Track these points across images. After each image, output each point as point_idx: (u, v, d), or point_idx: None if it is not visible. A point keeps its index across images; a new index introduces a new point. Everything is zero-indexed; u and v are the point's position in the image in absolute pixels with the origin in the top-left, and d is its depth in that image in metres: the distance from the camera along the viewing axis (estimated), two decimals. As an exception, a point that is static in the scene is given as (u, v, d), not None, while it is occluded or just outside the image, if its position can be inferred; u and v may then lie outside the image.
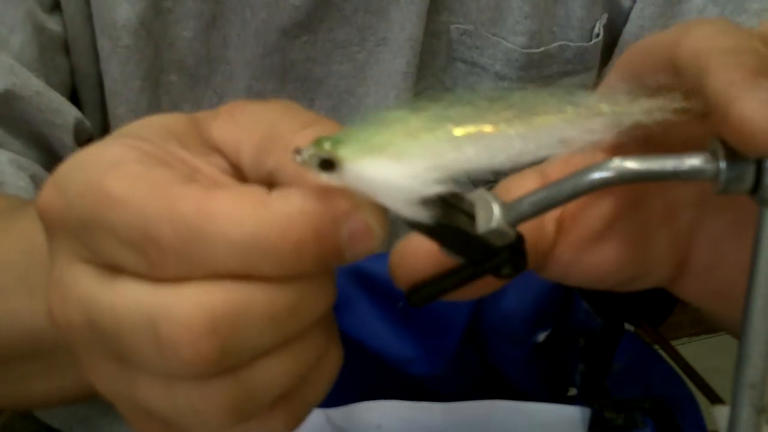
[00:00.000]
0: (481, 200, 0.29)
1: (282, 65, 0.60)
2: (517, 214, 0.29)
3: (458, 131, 0.26)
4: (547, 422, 0.42)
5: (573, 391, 0.50)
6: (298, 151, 0.26)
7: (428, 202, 0.27)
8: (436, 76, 0.63)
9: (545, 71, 0.63)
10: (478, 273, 0.30)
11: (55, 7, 0.58)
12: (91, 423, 0.72)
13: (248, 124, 0.30)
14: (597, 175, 0.29)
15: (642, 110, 0.28)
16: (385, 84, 0.61)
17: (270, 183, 0.28)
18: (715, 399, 0.36)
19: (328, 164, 0.26)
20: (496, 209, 0.28)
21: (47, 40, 0.58)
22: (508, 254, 0.29)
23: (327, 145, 0.26)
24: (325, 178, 0.26)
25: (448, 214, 0.28)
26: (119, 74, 0.59)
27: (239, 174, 0.30)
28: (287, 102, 0.31)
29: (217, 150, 0.30)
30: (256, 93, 0.61)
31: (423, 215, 0.27)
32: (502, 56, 0.62)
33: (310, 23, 0.59)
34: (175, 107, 0.61)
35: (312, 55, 0.60)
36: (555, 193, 0.29)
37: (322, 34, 0.60)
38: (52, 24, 0.58)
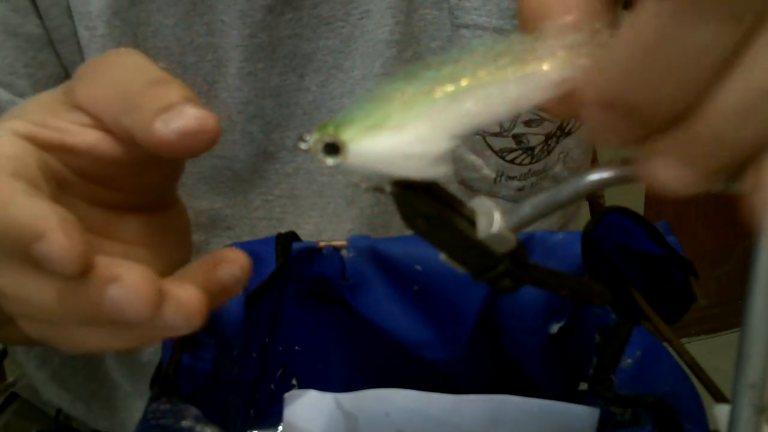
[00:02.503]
0: (481, 206, 0.29)
1: (270, 43, 0.61)
2: (519, 219, 0.29)
3: (453, 88, 0.27)
4: (557, 421, 0.42)
5: (584, 386, 0.50)
6: (302, 139, 0.27)
7: (440, 160, 0.27)
8: (443, 47, 0.64)
9: None
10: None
11: (33, 6, 0.59)
12: (105, 399, 0.73)
13: (102, 83, 0.37)
14: (596, 176, 0.29)
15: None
16: (370, 55, 0.62)
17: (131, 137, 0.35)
18: (720, 398, 0.36)
19: (333, 148, 0.27)
20: (497, 215, 0.29)
21: (24, 42, 0.59)
22: (509, 263, 0.29)
23: (330, 130, 0.27)
24: (331, 161, 0.27)
25: (448, 219, 0.28)
26: None
27: (103, 125, 0.36)
28: (137, 59, 0.37)
29: (80, 108, 0.37)
30: (247, 74, 0.61)
31: (437, 175, 0.27)
32: (496, 9, 0.62)
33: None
34: None
35: (299, 32, 0.61)
36: (556, 195, 0.29)
37: (306, 10, 0.61)
38: (29, 26, 0.59)
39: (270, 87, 0.62)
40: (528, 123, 0.66)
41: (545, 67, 0.27)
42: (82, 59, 0.61)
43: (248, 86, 0.62)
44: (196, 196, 0.65)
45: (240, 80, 0.61)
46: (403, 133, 0.27)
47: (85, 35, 0.59)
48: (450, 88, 0.27)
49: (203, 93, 0.62)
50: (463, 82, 0.27)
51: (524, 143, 0.66)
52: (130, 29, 0.59)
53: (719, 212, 2.14)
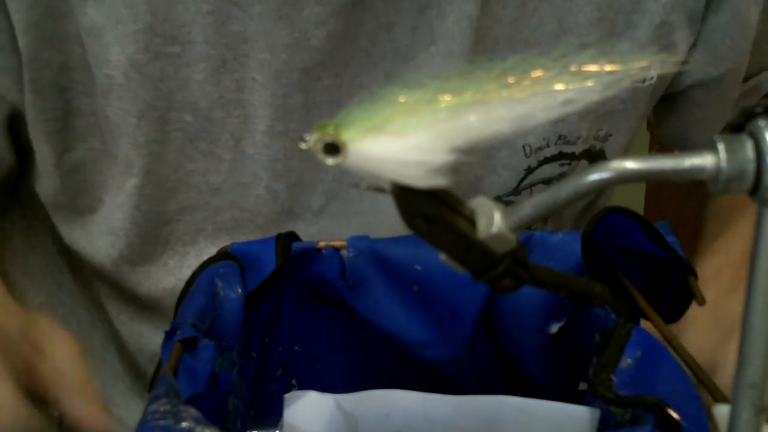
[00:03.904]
0: (481, 206, 0.29)
1: (304, 105, 0.60)
2: (519, 219, 0.29)
3: (456, 102, 0.27)
4: (557, 421, 0.42)
5: (584, 386, 0.50)
6: (302, 138, 0.27)
7: (438, 171, 0.27)
8: None
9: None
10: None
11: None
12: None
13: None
14: (596, 176, 0.29)
15: (639, 67, 0.28)
16: None
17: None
18: (720, 398, 0.36)
19: (333, 148, 0.27)
20: (497, 215, 0.29)
21: None
22: (509, 263, 0.29)
23: (330, 130, 0.27)
24: (331, 161, 0.27)
25: (448, 219, 0.28)
26: (118, 109, 0.60)
27: None
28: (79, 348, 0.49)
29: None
30: (278, 133, 0.61)
31: (434, 183, 0.27)
32: None
33: (333, 64, 0.59)
34: (190, 143, 0.61)
35: (337, 98, 0.60)
36: (555, 195, 0.29)
37: (347, 78, 0.60)
38: None
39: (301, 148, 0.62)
40: (546, 182, 0.66)
41: (553, 87, 0.27)
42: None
43: (278, 145, 0.61)
44: (215, 245, 0.64)
45: (269, 138, 0.61)
46: (403, 138, 0.27)
47: (105, 81, 0.59)
48: (453, 100, 0.27)
49: (229, 148, 0.62)
50: (467, 96, 0.27)
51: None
52: (150, 83, 0.58)
53: (719, 212, 2.14)
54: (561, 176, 0.66)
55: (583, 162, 0.66)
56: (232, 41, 0.58)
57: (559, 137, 0.64)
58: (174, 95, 0.59)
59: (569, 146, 0.65)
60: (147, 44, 0.57)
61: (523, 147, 0.64)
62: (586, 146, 0.65)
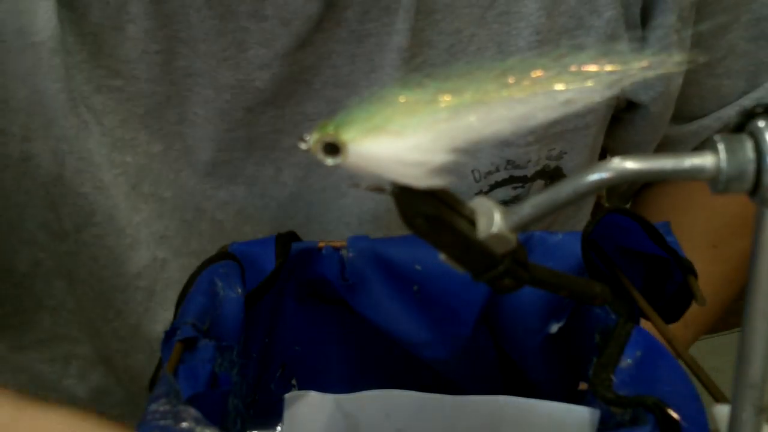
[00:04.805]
0: (481, 206, 0.29)
1: (248, 137, 0.60)
2: (519, 219, 0.29)
3: (456, 102, 0.27)
4: (556, 421, 0.42)
5: (584, 386, 0.50)
6: (302, 139, 0.27)
7: (438, 171, 0.27)
8: None
9: (550, 145, 0.64)
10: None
11: None
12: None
13: None
14: (596, 176, 0.29)
15: (641, 66, 0.28)
16: None
17: None
18: (720, 398, 0.36)
19: (332, 148, 0.27)
20: (497, 215, 0.29)
21: None
22: (509, 263, 0.29)
23: (330, 130, 0.27)
24: (331, 161, 0.27)
25: (448, 219, 0.28)
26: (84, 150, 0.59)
27: None
28: None
29: None
30: (222, 163, 0.61)
31: (434, 183, 0.27)
32: None
33: (276, 100, 0.59)
34: (132, 189, 0.60)
35: (279, 127, 0.60)
36: (555, 196, 0.29)
37: (290, 108, 0.60)
38: None
39: (244, 175, 0.61)
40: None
41: (553, 87, 0.27)
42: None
43: (220, 172, 0.61)
44: (165, 309, 0.63)
45: (212, 167, 0.60)
46: (403, 138, 0.27)
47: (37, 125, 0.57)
48: (453, 100, 0.27)
49: (169, 184, 0.61)
50: (467, 96, 0.27)
51: None
52: (95, 118, 0.58)
53: (719, 212, 2.14)
54: (515, 199, 0.66)
55: (539, 182, 0.66)
56: (176, 77, 0.58)
57: (508, 162, 0.64)
58: (115, 132, 0.58)
59: (519, 170, 0.64)
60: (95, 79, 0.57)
61: (472, 172, 0.64)
62: (538, 168, 0.65)
